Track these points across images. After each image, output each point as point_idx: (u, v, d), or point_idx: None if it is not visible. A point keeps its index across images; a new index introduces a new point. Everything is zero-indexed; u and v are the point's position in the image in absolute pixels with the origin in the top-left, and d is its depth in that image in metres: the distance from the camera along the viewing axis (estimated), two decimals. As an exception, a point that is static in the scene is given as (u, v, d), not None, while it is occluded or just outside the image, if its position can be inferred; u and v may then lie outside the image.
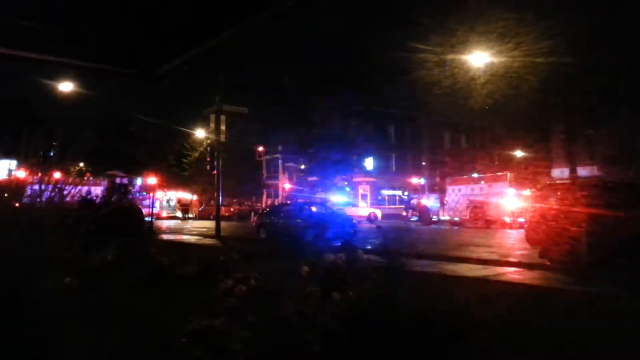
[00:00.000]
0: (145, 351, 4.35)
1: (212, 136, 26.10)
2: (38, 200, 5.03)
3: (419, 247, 15.61)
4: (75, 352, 3.58)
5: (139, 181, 47.61)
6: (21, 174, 5.48)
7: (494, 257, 13.78)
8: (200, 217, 46.05)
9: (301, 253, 10.71)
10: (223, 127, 24.82)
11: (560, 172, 31.50)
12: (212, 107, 25.90)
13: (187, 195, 50.96)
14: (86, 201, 9.71)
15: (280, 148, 53.71)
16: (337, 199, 41.33)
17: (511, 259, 13.25)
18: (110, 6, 2.13)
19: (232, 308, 4.27)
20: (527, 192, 26.94)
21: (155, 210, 35.96)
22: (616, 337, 5.59)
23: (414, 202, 36.78)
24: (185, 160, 51.84)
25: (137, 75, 2.77)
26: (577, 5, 22.86)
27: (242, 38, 2.14)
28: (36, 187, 5.37)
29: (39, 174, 5.44)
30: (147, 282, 7.55)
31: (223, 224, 24.36)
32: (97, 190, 24.43)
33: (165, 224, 34.40)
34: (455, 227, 30.54)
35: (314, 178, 47.87)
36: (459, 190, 31.97)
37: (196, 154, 50.91)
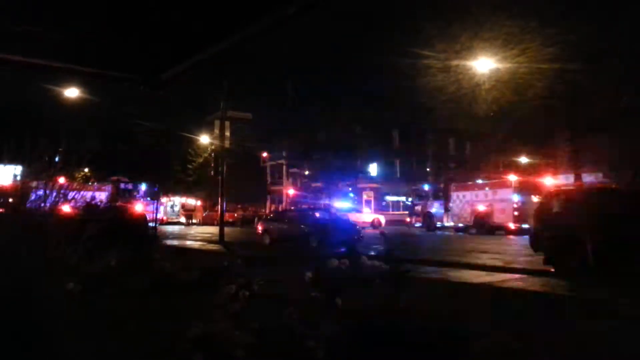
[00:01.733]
0: (147, 357, 4.35)
1: (217, 142, 26.18)
2: (42, 205, 5.06)
3: (422, 253, 15.59)
4: (78, 356, 3.58)
5: (143, 186, 47.76)
6: (26, 179, 5.51)
7: (498, 263, 13.72)
8: (204, 222, 46.12)
9: (305, 259, 10.70)
10: (227, 133, 24.90)
11: (564, 178, 31.37)
12: (216, 113, 26.02)
13: (191, 201, 51.04)
14: (90, 206, 9.73)
15: (284, 154, 53.79)
16: (341, 204, 41.29)
17: (515, 266, 13.18)
18: (114, 12, 2.14)
19: (235, 313, 4.25)
20: (531, 198, 26.85)
21: (159, 216, 36.04)
22: (621, 344, 5.54)
23: (418, 208, 36.70)
24: (189, 166, 52.01)
25: (141, 81, 2.78)
26: (581, 11, 22.84)
27: (245, 44, 2.15)
28: (41, 192, 5.39)
29: (44, 179, 5.47)
30: (150, 287, 7.54)
31: (227, 229, 24.38)
32: (102, 196, 24.47)
33: (169, 229, 34.45)
34: (460, 233, 30.45)
35: (318, 184, 47.88)
36: (464, 196, 31.88)
37: (200, 160, 51.09)
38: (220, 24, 1.99)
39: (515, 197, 28.26)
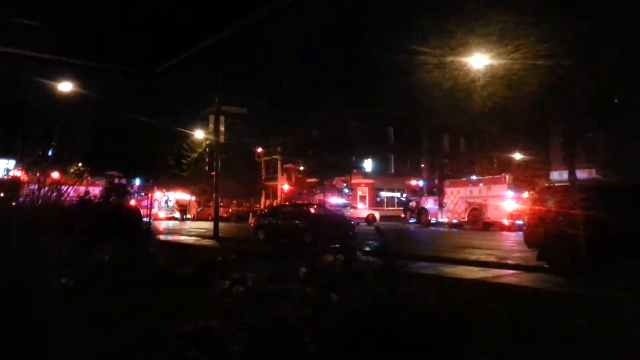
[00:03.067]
0: (141, 352, 4.33)
1: (211, 137, 26.06)
2: (35, 199, 5.01)
3: (417, 249, 15.61)
4: (71, 352, 3.56)
5: (137, 181, 47.57)
6: (19, 173, 5.46)
7: (492, 259, 13.77)
8: (199, 218, 45.99)
9: (299, 254, 10.69)
10: (222, 128, 24.78)
11: (558, 175, 31.51)
12: (211, 108, 25.90)
13: (185, 196, 50.89)
14: (84, 201, 9.68)
15: (279, 149, 53.69)
16: (335, 200, 41.30)
17: (509, 261, 13.23)
18: (108, 4, 2.11)
19: (229, 309, 4.25)
20: (525, 194, 26.96)
21: (154, 211, 35.90)
22: (613, 338, 5.57)
23: (412, 204, 36.77)
24: (184, 161, 51.82)
25: (135, 74, 2.75)
26: (576, 8, 22.88)
27: (240, 36, 2.13)
28: (33, 186, 5.35)
29: (37, 174, 5.42)
30: (144, 282, 7.53)
31: (221, 225, 24.34)
32: (95, 191, 24.33)
33: (163, 224, 34.36)
34: (454, 229, 30.55)
35: (313, 179, 47.82)
36: (458, 192, 31.98)
37: (195, 155, 50.90)
38: (217, 14, 1.97)
39: (509, 193, 28.37)
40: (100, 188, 29.49)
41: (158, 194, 46.09)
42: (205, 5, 1.94)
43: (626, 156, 27.52)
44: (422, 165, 51.13)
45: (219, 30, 2.08)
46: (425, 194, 36.51)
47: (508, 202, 28.02)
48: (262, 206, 49.35)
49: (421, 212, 34.94)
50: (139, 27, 2.25)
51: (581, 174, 30.05)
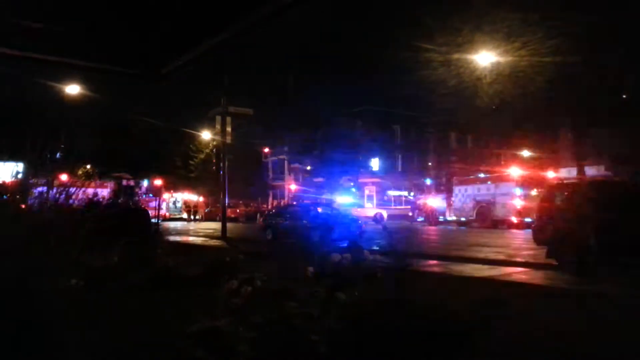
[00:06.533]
0: (148, 352, 4.34)
1: (218, 138, 26.11)
2: (44, 202, 5.05)
3: (425, 248, 15.59)
4: (79, 352, 3.58)
5: (145, 183, 47.84)
6: (27, 176, 5.49)
7: (501, 257, 13.72)
8: (207, 218, 46.16)
9: (307, 254, 10.69)
10: (229, 129, 24.82)
11: (567, 172, 31.32)
12: (217, 109, 25.92)
13: (193, 197, 51.08)
14: (93, 203, 9.72)
15: (286, 149, 53.75)
16: (343, 199, 41.28)
17: (518, 259, 13.17)
18: (114, 6, 2.12)
19: (237, 309, 4.24)
20: (534, 191, 26.82)
21: (162, 212, 36.09)
22: (623, 337, 5.53)
23: (420, 202, 36.69)
24: (191, 162, 52.04)
25: (141, 75, 2.77)
26: (583, 4, 22.73)
27: (244, 35, 2.13)
28: (42, 188, 5.38)
29: (45, 176, 5.46)
30: (152, 283, 7.54)
31: (229, 225, 24.39)
32: (104, 192, 24.45)
33: (171, 225, 34.49)
34: (462, 228, 30.45)
35: (320, 179, 47.86)
36: (466, 190, 31.86)
37: (202, 156, 51.12)
38: (219, 14, 1.97)
39: (518, 191, 28.23)
40: (109, 189, 29.71)
41: (166, 195, 46.32)
42: (206, 6, 1.94)
43: (635, 152, 27.31)
44: (430, 164, 50.97)
45: (222, 30, 2.08)
46: (433, 192, 36.44)
47: (516, 200, 27.90)
48: (269, 206, 49.44)
49: (429, 210, 34.85)
50: (144, 29, 2.25)
51: (590, 171, 29.93)
